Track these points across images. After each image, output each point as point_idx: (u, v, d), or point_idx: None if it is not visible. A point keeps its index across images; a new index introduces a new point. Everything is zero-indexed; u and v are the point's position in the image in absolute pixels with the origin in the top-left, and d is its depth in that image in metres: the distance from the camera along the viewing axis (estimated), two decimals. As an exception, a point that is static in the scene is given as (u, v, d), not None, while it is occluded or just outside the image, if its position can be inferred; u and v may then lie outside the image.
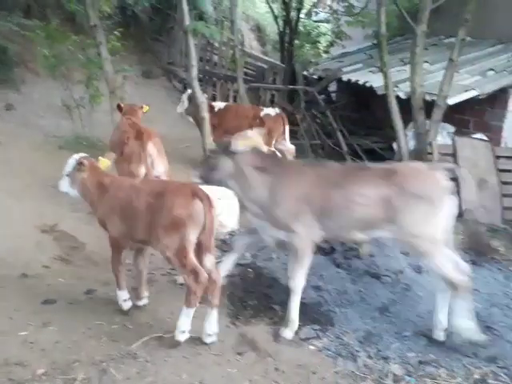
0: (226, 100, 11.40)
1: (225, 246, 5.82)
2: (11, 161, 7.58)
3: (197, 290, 3.66)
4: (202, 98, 6.97)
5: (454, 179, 4.11)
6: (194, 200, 3.67)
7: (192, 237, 3.69)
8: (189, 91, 7.54)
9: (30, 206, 6.10)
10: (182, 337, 3.78)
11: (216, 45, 12.31)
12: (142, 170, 5.42)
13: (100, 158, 4.24)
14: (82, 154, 4.19)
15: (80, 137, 8.90)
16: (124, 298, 4.18)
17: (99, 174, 4.12)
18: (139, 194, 3.86)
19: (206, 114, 6.92)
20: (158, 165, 5.60)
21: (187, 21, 6.89)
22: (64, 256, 5.22)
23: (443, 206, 3.89)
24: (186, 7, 6.89)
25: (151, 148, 5.52)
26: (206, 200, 3.71)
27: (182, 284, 4.75)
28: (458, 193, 4.00)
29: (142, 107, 6.53)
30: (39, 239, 5.41)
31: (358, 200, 3.92)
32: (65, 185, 4.19)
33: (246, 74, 10.79)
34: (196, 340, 3.86)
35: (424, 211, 3.87)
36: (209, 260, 3.77)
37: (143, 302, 4.32)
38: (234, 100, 11.30)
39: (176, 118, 11.76)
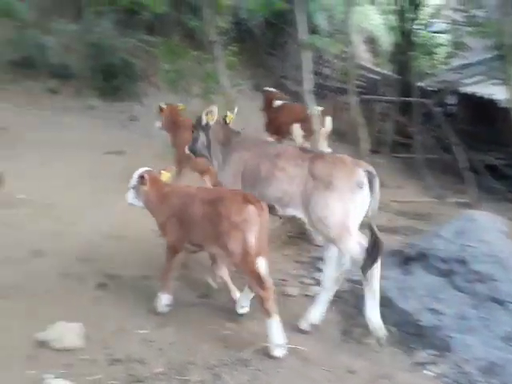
0: (336, 113, 11.33)
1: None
2: (134, 169, 8.08)
3: (268, 296, 3.65)
4: (315, 112, 6.94)
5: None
6: (247, 205, 3.77)
7: (252, 240, 3.74)
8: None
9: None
10: (278, 352, 3.70)
11: (328, 58, 12.30)
12: None
13: (162, 171, 4.51)
14: (146, 168, 4.44)
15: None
16: (166, 302, 4.24)
17: (160, 186, 4.36)
18: (195, 201, 4.08)
19: (317, 127, 6.88)
20: None
21: (304, 35, 6.92)
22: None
23: (355, 197, 3.96)
24: (303, 21, 6.94)
25: None
26: (258, 204, 3.82)
27: (293, 296, 4.76)
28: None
29: (178, 106, 7.22)
30: (156, 242, 5.68)
31: (276, 174, 4.17)
32: (130, 197, 4.46)
33: (357, 86, 10.63)
34: (300, 353, 3.82)
35: (335, 199, 3.94)
36: (262, 265, 3.78)
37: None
38: (344, 113, 11.19)
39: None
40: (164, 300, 4.24)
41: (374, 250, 3.93)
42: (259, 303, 3.71)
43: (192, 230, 4.07)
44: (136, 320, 4.11)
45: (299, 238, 6.22)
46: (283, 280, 5.11)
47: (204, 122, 4.78)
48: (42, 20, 10.61)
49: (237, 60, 8.86)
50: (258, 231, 3.78)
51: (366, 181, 3.99)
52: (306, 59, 6.99)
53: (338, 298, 4.72)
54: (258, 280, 3.68)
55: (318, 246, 6.00)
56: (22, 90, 10.78)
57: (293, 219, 4.63)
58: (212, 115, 4.75)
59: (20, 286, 4.39)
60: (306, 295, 4.83)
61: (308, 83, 6.94)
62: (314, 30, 13.25)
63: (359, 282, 5.07)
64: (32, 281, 4.51)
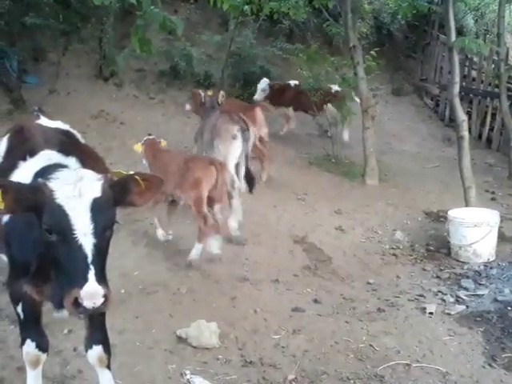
0: (485, 117, 10.56)
1: (478, 277, 5.30)
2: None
3: (207, 232, 5.04)
4: (463, 117, 6.48)
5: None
6: (209, 166, 5.19)
7: (205, 191, 5.12)
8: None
9: (284, 217, 6.53)
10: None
11: (475, 60, 11.46)
12: None
13: (162, 140, 5.89)
14: (149, 137, 5.93)
15: (329, 154, 9.23)
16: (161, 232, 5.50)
17: (155, 149, 5.72)
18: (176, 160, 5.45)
19: (465, 133, 6.41)
20: None
21: (453, 37, 6.52)
22: (312, 267, 5.39)
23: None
24: (452, 23, 6.53)
25: None
26: (219, 165, 5.22)
27: (431, 313, 4.47)
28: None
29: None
30: (291, 249, 5.72)
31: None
32: (142, 158, 5.82)
33: (508, 89, 9.76)
34: (439, 374, 3.56)
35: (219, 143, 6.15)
36: (217, 208, 5.32)
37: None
38: (493, 117, 10.36)
39: (425, 136, 11.35)
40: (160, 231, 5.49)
41: (249, 177, 6.12)
42: (199, 233, 5.04)
43: (170, 181, 5.11)
44: (269, 325, 4.15)
45: (440, 253, 5.86)
46: (421, 296, 4.83)
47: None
48: (189, 32, 11.28)
49: (376, 64, 8.62)
50: (217, 185, 5.17)
51: (239, 134, 6.02)
52: (455, 62, 6.58)
53: (482, 319, 4.35)
54: (204, 218, 5.03)
55: (463, 261, 5.61)
56: (169, 99, 11.55)
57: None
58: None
59: (165, 283, 4.67)
60: (447, 313, 4.51)
61: (456, 87, 6.53)
62: (459, 30, 12.50)
63: (506, 303, 4.64)
64: (175, 279, 4.77)
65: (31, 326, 2.83)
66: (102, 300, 2.12)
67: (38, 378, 2.93)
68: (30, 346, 2.82)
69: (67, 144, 2.93)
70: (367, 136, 8.14)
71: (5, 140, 3.22)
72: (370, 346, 3.95)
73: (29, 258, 2.49)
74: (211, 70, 11.38)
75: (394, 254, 5.82)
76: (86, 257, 2.13)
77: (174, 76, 11.60)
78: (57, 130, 3.21)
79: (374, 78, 9.48)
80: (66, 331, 3.77)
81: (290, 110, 10.00)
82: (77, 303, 2.11)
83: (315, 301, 4.65)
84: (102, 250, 2.22)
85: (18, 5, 8.71)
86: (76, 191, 2.18)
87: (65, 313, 2.54)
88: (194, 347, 3.76)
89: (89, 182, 2.24)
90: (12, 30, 9.19)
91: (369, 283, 5.09)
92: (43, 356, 2.87)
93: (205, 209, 5.09)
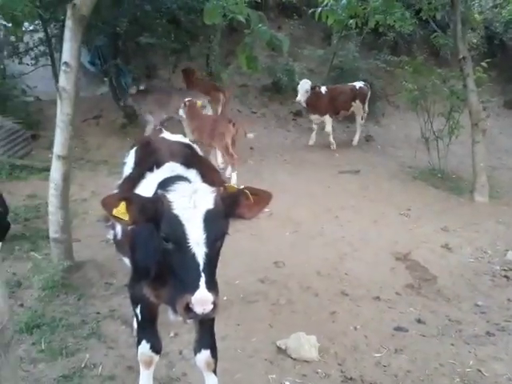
0: None
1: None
2: (368, 187, 8.11)
3: (233, 161, 7.67)
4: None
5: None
6: (228, 124, 7.78)
7: (228, 139, 7.71)
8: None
9: (386, 233, 6.36)
10: None
11: None
12: None
13: (198, 101, 8.22)
14: (189, 99, 8.20)
15: (435, 168, 8.88)
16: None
17: (193, 109, 8.07)
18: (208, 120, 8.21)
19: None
20: None
21: None
22: (415, 286, 5.19)
23: None
24: None
25: None
26: (235, 124, 7.83)
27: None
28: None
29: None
30: (393, 266, 5.55)
31: None
32: (181, 112, 8.07)
33: None
34: None
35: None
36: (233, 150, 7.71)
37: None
38: None
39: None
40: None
41: None
42: (231, 166, 7.77)
43: (204, 133, 7.90)
44: (370, 342, 4.06)
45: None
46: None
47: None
48: (292, 47, 11.48)
49: (487, 76, 8.18)
50: (234, 137, 7.82)
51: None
52: None
53: None
54: (231, 155, 7.69)
55: None
56: (270, 113, 11.79)
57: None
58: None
59: (265, 293, 4.74)
60: None
61: None
62: None
63: None
64: (275, 290, 4.83)
65: (147, 328, 3.00)
66: (211, 307, 2.22)
67: (150, 378, 3.10)
68: (145, 347, 2.98)
69: (189, 157, 3.12)
70: (477, 150, 7.75)
71: (133, 152, 3.49)
72: (478, 371, 3.72)
73: (150, 263, 2.67)
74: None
75: (505, 276, 5.44)
76: (198, 265, 2.25)
77: (275, 91, 11.84)
78: (179, 143, 3.42)
79: (485, 90, 9.01)
80: (172, 334, 3.95)
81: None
82: (188, 308, 2.23)
83: (419, 321, 4.46)
84: (213, 259, 2.32)
85: (134, 26, 9.38)
86: (191, 203, 2.31)
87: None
88: (294, 359, 3.77)
89: (203, 195, 2.37)
90: (128, 49, 9.91)
91: (477, 305, 4.80)
92: (156, 357, 3.03)
93: (230, 150, 7.66)
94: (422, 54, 10.73)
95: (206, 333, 3.00)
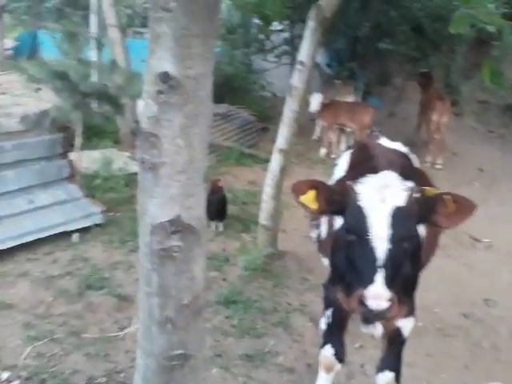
0: None
1: None
2: None
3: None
4: None
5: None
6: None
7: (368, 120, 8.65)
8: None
9: None
10: None
11: None
12: None
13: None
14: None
15: None
16: None
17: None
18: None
19: None
20: None
21: None
22: None
23: None
24: None
25: None
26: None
27: None
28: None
29: None
30: None
31: None
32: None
33: None
34: None
35: None
36: None
37: None
38: None
39: None
40: None
41: None
42: None
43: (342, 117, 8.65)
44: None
45: None
46: None
47: None
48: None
49: None
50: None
51: None
52: None
53: None
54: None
55: None
56: (510, 134, 10.63)
57: None
58: None
59: (466, 330, 4.29)
60: None
61: None
62: None
63: None
64: (479, 330, 4.32)
65: (335, 333, 2.93)
66: (386, 304, 2.12)
67: (328, 383, 3.03)
68: (328, 351, 2.92)
69: (407, 168, 2.93)
70: None
71: (347, 155, 3.46)
72: None
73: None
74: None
75: None
76: (376, 260, 2.16)
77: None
78: (397, 151, 3.26)
79: None
80: (357, 345, 3.82)
81: None
82: (361, 303, 2.16)
83: None
84: (396, 259, 2.19)
85: (376, 31, 9.33)
86: (380, 196, 2.22)
87: (373, 329, 2.58)
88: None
89: (394, 191, 2.25)
90: (365, 53, 9.92)
91: None
92: (338, 365, 2.94)
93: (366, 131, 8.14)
94: None
95: (393, 354, 2.82)
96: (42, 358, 3.34)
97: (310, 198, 2.36)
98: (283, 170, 4.93)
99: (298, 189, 2.38)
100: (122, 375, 3.26)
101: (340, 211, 2.36)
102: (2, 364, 3.26)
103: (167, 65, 1.63)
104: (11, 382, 3.11)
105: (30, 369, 3.23)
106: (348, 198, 2.30)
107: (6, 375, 3.15)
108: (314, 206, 2.37)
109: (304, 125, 8.25)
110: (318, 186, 2.40)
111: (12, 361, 3.29)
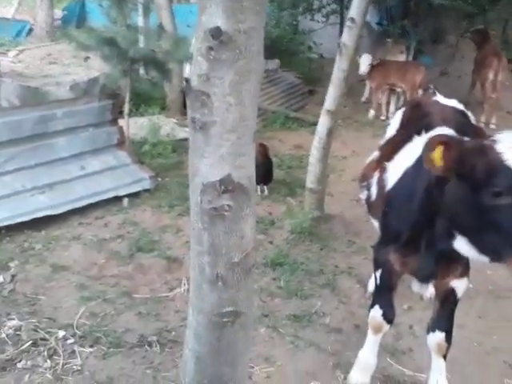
0: None
1: None
2: None
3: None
4: None
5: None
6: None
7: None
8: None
9: None
10: None
11: None
12: None
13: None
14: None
15: None
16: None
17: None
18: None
19: None
20: None
21: None
22: None
23: None
24: None
25: None
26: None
27: None
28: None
29: None
30: None
31: None
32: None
33: None
34: None
35: None
36: None
37: None
38: None
39: None
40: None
41: None
42: None
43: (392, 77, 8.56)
44: None
45: None
46: None
47: None
48: None
49: None
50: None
51: None
52: None
53: None
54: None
55: None
56: None
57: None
58: None
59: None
60: None
61: None
62: None
63: None
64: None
65: (384, 294, 2.90)
66: None
67: (376, 344, 3.03)
68: (376, 312, 2.90)
69: (464, 124, 2.80)
70: None
71: (400, 113, 3.36)
72: None
73: (403, 228, 2.55)
74: None
75: None
76: None
77: None
78: (453, 108, 3.14)
79: None
80: (405, 307, 3.80)
81: None
82: None
83: None
84: None
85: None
86: None
87: (424, 289, 2.53)
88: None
89: None
90: (419, 10, 9.49)
91: None
92: (386, 326, 2.92)
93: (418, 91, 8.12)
94: None
95: (445, 315, 2.78)
96: (95, 318, 3.50)
97: (436, 154, 2.12)
98: (330, 133, 4.85)
99: (430, 144, 2.13)
100: (172, 334, 3.38)
101: (471, 171, 2.09)
102: (58, 323, 3.43)
103: (218, 20, 1.59)
104: (67, 339, 3.28)
105: (84, 328, 3.39)
106: (486, 157, 2.05)
107: (61, 334, 3.32)
108: (439, 163, 2.13)
109: (353, 86, 8.06)
110: (447, 142, 2.13)
111: (67, 320, 3.46)
